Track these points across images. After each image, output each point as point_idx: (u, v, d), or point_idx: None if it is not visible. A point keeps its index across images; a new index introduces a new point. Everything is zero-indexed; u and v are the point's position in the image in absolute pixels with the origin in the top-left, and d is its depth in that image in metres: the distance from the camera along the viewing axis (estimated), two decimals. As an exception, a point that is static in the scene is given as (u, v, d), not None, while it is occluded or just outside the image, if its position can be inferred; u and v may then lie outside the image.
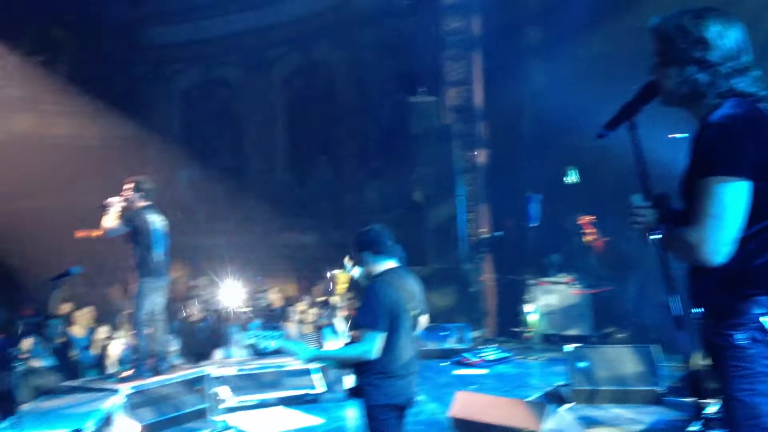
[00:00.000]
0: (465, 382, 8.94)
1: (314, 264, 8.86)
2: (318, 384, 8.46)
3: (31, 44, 14.87)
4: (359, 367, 4.54)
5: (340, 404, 8.12)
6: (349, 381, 4.76)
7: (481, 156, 12.30)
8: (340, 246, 8.64)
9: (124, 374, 7.66)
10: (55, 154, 14.45)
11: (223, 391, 7.97)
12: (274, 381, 8.48)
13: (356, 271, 8.65)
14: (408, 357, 4.59)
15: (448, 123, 12.06)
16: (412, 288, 4.68)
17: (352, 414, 7.48)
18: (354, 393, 4.60)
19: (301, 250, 8.83)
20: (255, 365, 8.57)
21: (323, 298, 11.14)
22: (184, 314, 11.21)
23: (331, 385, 8.50)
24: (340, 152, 15.73)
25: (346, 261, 8.76)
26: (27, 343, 8.77)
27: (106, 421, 6.63)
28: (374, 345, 4.40)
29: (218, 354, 9.53)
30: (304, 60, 16.09)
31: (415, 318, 4.69)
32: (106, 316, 11.02)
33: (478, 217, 12.26)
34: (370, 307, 4.45)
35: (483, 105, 12.27)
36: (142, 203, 7.61)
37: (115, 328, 10.15)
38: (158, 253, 7.59)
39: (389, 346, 4.46)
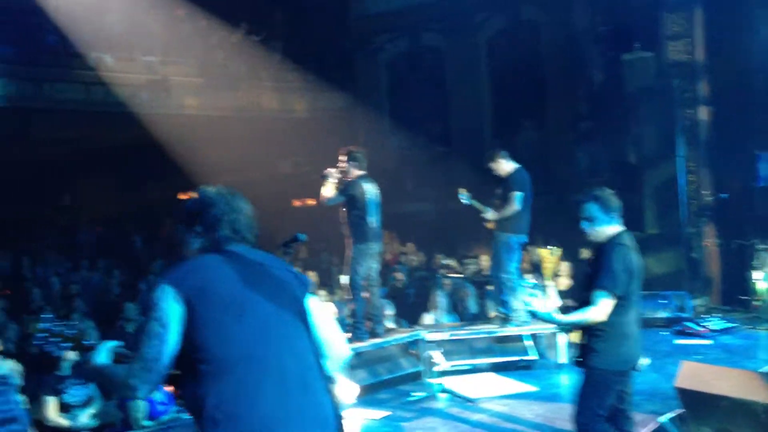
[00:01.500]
0: (687, 353, 8.45)
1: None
2: (531, 351, 8.36)
3: (250, 24, 15.77)
4: (593, 331, 4.42)
5: (553, 371, 8.03)
6: (575, 348, 4.67)
7: (703, 114, 11.53)
8: (546, 211, 8.42)
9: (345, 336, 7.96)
10: (272, 126, 15.31)
11: (436, 355, 8.10)
12: (486, 347, 8.49)
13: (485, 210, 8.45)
14: (638, 320, 4.49)
15: (667, 80, 11.36)
16: (637, 250, 4.55)
17: (566, 381, 7.35)
18: (583, 359, 4.49)
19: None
20: (467, 331, 8.61)
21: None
22: (393, 280, 11.50)
23: (543, 353, 8.39)
24: (547, 115, 15.34)
25: (461, 191, 8.64)
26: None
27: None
28: (607, 307, 4.30)
29: (427, 318, 9.68)
30: (509, 22, 15.77)
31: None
32: (325, 280, 11.59)
33: (700, 178, 11.53)
34: (610, 269, 4.31)
35: (705, 59, 11.45)
36: (357, 172, 7.81)
37: (333, 292, 10.65)
38: (372, 220, 7.77)
39: (626, 310, 4.35)
